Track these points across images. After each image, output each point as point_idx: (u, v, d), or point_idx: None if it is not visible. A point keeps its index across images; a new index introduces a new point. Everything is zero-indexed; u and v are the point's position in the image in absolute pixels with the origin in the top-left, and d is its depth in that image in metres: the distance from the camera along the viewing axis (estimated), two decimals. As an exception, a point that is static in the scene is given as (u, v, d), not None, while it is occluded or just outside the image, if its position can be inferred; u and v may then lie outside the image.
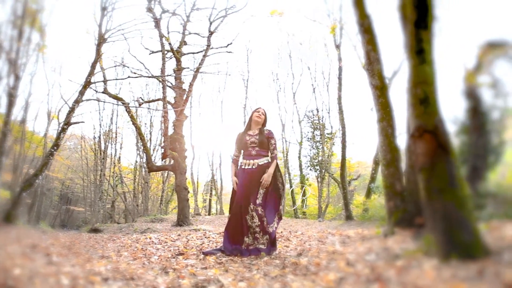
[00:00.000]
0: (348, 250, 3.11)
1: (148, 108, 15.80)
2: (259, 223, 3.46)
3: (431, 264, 1.90)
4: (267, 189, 3.57)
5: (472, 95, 4.88)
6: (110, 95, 11.38)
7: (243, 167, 3.62)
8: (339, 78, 12.65)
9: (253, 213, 3.48)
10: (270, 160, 3.64)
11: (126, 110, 12.84)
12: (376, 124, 4.21)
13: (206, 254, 3.37)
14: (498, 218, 3.06)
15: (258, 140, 3.62)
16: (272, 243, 3.48)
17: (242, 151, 3.71)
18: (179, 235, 4.88)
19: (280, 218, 3.63)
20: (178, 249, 3.54)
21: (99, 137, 18.22)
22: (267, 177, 3.51)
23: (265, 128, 3.80)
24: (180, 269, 2.44)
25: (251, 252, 3.41)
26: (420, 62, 2.67)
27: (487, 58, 5.72)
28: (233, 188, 3.61)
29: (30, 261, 2.49)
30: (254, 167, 3.56)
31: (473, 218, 2.18)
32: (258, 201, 3.51)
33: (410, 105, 2.64)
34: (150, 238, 4.46)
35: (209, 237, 4.56)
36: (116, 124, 18.43)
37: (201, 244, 3.94)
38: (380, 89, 4.13)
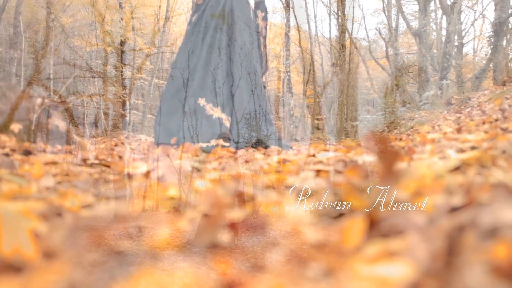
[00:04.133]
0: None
1: (83, 106, 15.28)
2: None
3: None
4: None
5: (390, 109, 5.98)
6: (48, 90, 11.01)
7: None
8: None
9: None
10: None
11: (63, 105, 12.44)
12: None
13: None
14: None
15: None
16: None
17: None
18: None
19: None
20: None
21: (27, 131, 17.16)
22: None
23: None
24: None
25: None
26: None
27: (403, 79, 6.98)
28: None
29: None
30: None
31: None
32: None
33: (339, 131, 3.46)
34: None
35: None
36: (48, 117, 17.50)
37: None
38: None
